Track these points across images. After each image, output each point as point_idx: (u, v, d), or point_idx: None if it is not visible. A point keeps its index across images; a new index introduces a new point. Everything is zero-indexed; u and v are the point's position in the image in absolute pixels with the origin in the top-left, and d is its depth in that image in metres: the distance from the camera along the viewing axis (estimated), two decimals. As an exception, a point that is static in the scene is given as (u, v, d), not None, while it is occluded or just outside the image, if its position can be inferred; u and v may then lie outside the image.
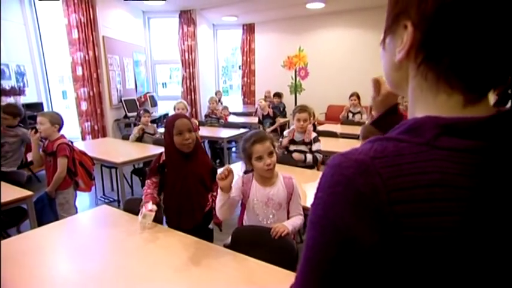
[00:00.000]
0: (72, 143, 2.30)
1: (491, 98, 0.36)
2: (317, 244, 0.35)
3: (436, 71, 0.35)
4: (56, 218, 2.12)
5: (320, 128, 3.95)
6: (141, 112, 3.60)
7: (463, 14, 0.31)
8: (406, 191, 0.30)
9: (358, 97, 4.26)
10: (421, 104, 0.37)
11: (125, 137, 3.73)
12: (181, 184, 1.52)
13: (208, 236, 1.56)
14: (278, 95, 5.98)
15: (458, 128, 0.32)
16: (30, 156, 2.97)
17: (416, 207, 0.30)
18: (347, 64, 6.20)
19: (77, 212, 2.27)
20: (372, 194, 0.31)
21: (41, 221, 1.98)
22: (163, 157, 1.59)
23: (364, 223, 0.31)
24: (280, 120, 4.41)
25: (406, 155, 0.32)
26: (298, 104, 2.99)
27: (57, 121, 2.22)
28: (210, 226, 1.63)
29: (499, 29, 0.31)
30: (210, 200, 1.63)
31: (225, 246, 1.35)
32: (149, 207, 1.43)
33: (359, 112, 4.22)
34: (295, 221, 1.40)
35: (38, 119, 2.19)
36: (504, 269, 0.31)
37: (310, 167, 2.39)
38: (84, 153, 2.41)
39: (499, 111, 0.34)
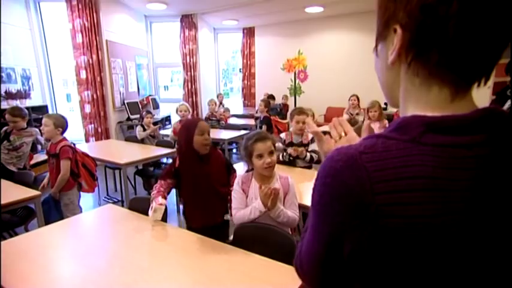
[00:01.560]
0: (74, 145, 2.33)
1: (489, 98, 0.40)
2: (316, 223, 0.41)
3: (426, 66, 0.37)
4: (62, 218, 2.16)
5: (319, 129, 4.00)
6: (144, 113, 3.69)
7: (444, 9, 0.33)
8: (389, 182, 0.33)
9: (358, 98, 4.32)
10: (412, 102, 0.40)
11: (128, 139, 3.80)
12: (199, 185, 1.59)
13: (226, 228, 1.65)
14: (272, 97, 6.04)
15: (442, 126, 0.35)
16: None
17: (398, 197, 0.33)
18: (345, 67, 6.27)
19: (81, 212, 2.31)
20: (357, 185, 0.34)
21: (48, 222, 2.02)
22: (177, 162, 1.65)
23: (349, 211, 0.35)
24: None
25: (393, 150, 0.35)
26: (297, 106, 3.02)
27: (61, 124, 2.26)
28: (226, 217, 1.69)
29: (479, 21, 0.33)
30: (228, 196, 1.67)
31: (228, 242, 1.39)
32: (159, 201, 1.48)
33: (357, 114, 4.28)
34: (287, 212, 1.41)
35: (43, 120, 2.23)
36: (481, 253, 0.34)
37: (307, 167, 2.44)
38: (87, 155, 2.44)
39: (481, 109, 0.36)
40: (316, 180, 0.39)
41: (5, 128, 2.85)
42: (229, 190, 1.67)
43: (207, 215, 1.60)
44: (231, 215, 1.65)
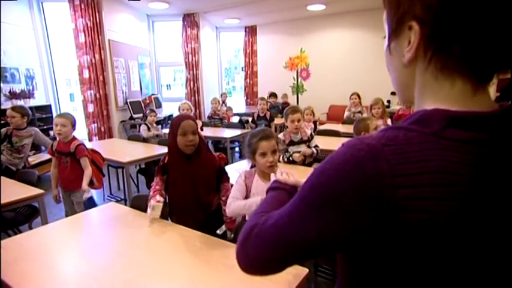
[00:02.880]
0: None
1: (493, 94, 0.38)
2: (315, 205, 0.38)
3: (450, 60, 0.36)
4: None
5: (322, 127, 4.00)
6: (147, 112, 3.71)
7: None
8: (412, 176, 0.33)
9: (359, 96, 4.30)
10: (431, 97, 0.38)
11: (131, 138, 3.82)
12: (182, 184, 1.55)
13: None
14: (274, 95, 6.02)
15: (464, 121, 0.34)
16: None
17: (420, 191, 0.32)
18: (348, 64, 6.24)
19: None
20: (377, 177, 0.33)
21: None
22: (167, 158, 1.62)
23: (365, 202, 0.34)
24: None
25: (415, 143, 0.34)
26: (290, 105, 3.01)
27: (75, 123, 2.30)
28: (219, 231, 1.62)
29: (503, 9, 0.32)
30: (216, 203, 1.64)
31: (228, 240, 1.40)
32: (157, 199, 1.49)
33: (359, 112, 4.26)
34: None
35: (60, 120, 2.21)
36: (499, 252, 0.34)
37: (308, 164, 2.44)
38: (95, 151, 2.48)
39: (502, 106, 0.36)
40: (328, 163, 0.38)
41: (5, 129, 2.86)
42: (216, 199, 1.63)
43: (186, 216, 1.55)
44: (225, 211, 1.61)
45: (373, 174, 0.34)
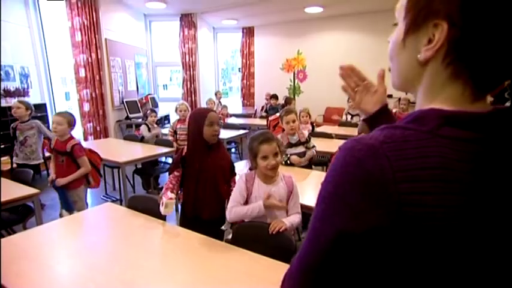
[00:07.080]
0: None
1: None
2: (326, 216, 0.38)
3: (468, 69, 0.36)
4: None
5: (318, 129, 4.02)
6: (148, 112, 3.71)
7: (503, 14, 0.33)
8: (411, 171, 0.33)
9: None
10: (438, 97, 0.39)
11: (127, 138, 3.80)
12: (203, 174, 1.61)
13: (219, 235, 1.61)
14: (275, 97, 6.00)
15: (459, 120, 0.35)
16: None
17: (420, 186, 0.33)
18: (345, 67, 6.28)
19: (87, 208, 2.34)
20: (380, 173, 0.34)
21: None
22: (185, 150, 1.68)
23: (371, 199, 0.34)
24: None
25: (412, 141, 0.35)
26: (285, 108, 3.02)
27: (73, 122, 2.29)
28: (223, 227, 1.68)
29: None
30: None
31: (227, 241, 1.39)
32: (169, 196, 1.51)
33: (357, 114, 4.30)
34: (294, 219, 1.44)
35: (56, 118, 2.21)
36: (497, 245, 0.34)
37: (305, 166, 2.45)
38: (92, 151, 2.47)
39: (495, 108, 0.37)
40: (331, 171, 0.38)
41: (12, 124, 2.92)
42: (229, 190, 1.67)
43: (203, 206, 1.61)
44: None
45: (376, 171, 0.34)
